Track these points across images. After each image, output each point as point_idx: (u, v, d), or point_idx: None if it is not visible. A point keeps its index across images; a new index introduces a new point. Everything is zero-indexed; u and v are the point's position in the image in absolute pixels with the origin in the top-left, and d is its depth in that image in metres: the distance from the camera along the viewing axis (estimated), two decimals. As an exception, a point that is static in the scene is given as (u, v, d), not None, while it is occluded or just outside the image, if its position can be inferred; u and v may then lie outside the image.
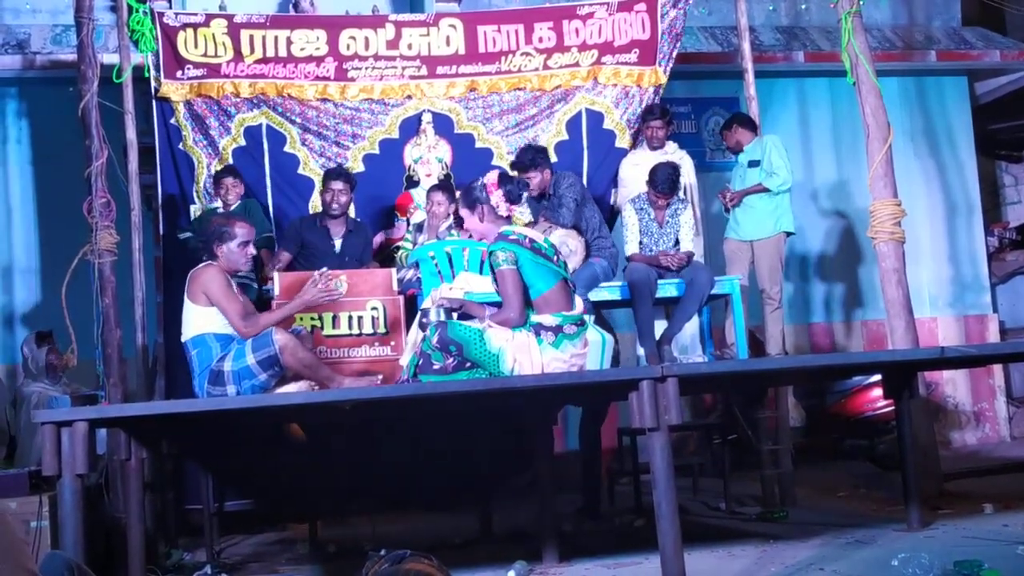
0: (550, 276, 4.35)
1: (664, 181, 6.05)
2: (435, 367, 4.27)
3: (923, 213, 9.06)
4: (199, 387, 4.72)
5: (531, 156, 6.08)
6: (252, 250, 4.92)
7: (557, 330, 4.27)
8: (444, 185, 6.32)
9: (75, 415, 3.68)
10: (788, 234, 6.58)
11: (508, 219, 4.56)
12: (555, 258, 4.42)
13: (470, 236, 5.93)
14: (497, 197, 4.49)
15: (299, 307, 4.88)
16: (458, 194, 4.61)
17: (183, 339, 4.80)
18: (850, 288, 9.13)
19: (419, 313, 4.68)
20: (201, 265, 4.84)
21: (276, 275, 5.55)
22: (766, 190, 6.44)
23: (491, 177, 4.53)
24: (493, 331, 4.28)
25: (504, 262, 4.29)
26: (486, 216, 4.50)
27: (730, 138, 6.72)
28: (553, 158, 6.54)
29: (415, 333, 4.78)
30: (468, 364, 4.27)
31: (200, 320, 4.73)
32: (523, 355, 4.24)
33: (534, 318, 4.31)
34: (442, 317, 4.45)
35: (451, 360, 4.26)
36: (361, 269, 5.90)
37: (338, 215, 6.11)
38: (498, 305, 4.52)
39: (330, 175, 6.14)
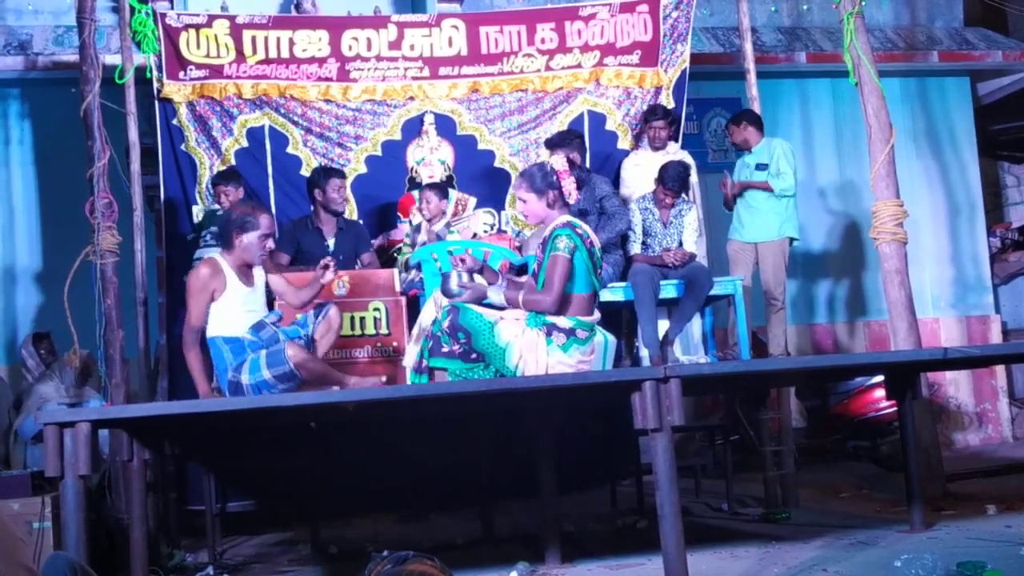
0: (588, 284, 4.37)
1: (674, 178, 6.03)
2: (444, 349, 4.31)
3: (925, 214, 9.05)
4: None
5: (562, 138, 6.16)
6: (271, 244, 4.91)
7: (569, 333, 4.27)
8: (435, 184, 6.28)
9: (77, 416, 3.68)
10: (792, 240, 6.58)
11: (568, 206, 4.56)
12: (599, 271, 4.44)
13: (473, 236, 5.94)
14: (569, 184, 4.48)
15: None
16: (516, 177, 4.61)
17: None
18: (853, 289, 9.12)
19: (441, 278, 4.70)
20: (197, 263, 4.83)
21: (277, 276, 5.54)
22: (770, 189, 6.44)
23: (560, 163, 4.52)
24: (504, 324, 4.29)
25: (564, 249, 4.30)
26: (555, 202, 4.47)
27: (737, 134, 6.69)
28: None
29: (425, 316, 4.73)
30: (474, 355, 4.28)
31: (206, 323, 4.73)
32: (529, 354, 4.24)
33: (550, 317, 4.31)
34: (464, 279, 4.51)
35: (457, 347, 4.27)
36: (364, 270, 5.90)
37: (341, 211, 6.10)
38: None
39: (330, 172, 6.06)
